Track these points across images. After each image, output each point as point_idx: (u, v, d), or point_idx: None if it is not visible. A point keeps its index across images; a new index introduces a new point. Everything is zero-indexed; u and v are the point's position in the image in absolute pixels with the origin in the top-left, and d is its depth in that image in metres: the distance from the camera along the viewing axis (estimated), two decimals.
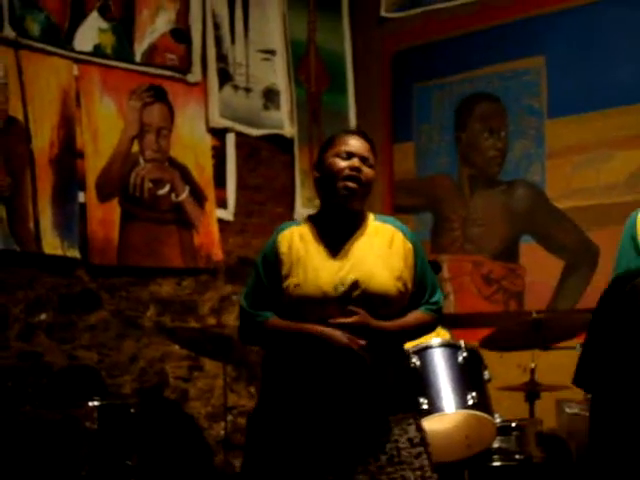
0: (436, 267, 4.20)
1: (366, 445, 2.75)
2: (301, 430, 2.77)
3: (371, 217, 2.93)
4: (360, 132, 2.97)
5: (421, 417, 2.97)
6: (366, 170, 2.84)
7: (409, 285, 2.84)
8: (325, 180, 2.87)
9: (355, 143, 2.87)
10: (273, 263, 2.85)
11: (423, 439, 2.85)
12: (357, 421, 2.76)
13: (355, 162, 2.83)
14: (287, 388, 2.82)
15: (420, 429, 2.86)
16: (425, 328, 2.95)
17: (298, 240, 2.86)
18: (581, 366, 2.63)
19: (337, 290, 2.75)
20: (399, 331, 2.85)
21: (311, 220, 2.93)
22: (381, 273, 2.79)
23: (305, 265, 2.80)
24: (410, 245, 2.88)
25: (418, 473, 2.77)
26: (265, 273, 2.87)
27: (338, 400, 2.75)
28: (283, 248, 2.85)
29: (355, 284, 2.76)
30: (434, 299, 2.91)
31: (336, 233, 2.86)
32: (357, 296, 2.76)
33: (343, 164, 2.82)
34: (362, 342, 2.72)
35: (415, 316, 2.87)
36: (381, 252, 2.84)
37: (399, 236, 2.88)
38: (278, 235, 2.88)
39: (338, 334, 2.72)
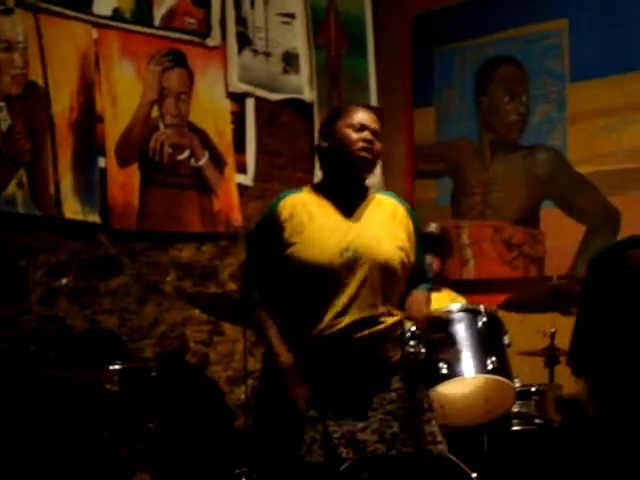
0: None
1: (372, 404, 2.78)
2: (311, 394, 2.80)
3: (373, 190, 3.01)
4: (370, 106, 3.05)
5: (440, 382, 2.98)
6: (377, 143, 2.91)
7: (411, 257, 2.91)
8: (336, 150, 2.90)
9: (367, 116, 2.92)
10: (274, 232, 2.86)
11: (430, 405, 2.90)
12: (362, 381, 2.79)
13: (368, 135, 2.88)
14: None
15: (426, 395, 2.93)
16: None
17: (301, 207, 2.87)
18: (575, 345, 2.55)
19: (342, 256, 2.78)
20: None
21: (315, 188, 2.96)
22: (386, 241, 2.85)
23: (310, 231, 2.82)
24: (411, 221, 2.97)
25: (429, 439, 2.80)
26: (265, 243, 2.89)
27: (343, 366, 2.79)
28: (284, 216, 2.86)
29: (361, 250, 2.80)
30: (428, 276, 3.10)
31: (341, 201, 2.90)
32: (362, 263, 2.79)
33: (356, 136, 2.87)
34: (305, 398, 2.75)
35: (427, 296, 3.03)
36: (385, 222, 2.91)
37: (401, 210, 2.97)
38: (279, 203, 2.90)
39: (293, 379, 2.77)
